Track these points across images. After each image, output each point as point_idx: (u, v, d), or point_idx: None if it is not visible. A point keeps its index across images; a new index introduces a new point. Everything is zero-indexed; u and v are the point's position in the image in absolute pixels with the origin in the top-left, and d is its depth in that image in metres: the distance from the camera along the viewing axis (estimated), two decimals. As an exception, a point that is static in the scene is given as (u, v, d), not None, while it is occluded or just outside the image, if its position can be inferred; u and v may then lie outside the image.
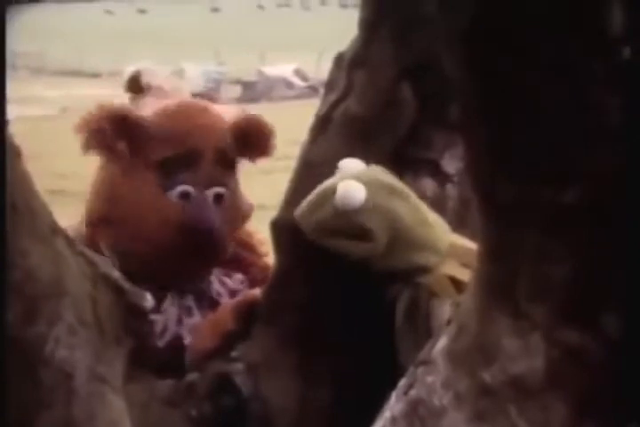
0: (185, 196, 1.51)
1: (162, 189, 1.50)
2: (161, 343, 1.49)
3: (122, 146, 1.48)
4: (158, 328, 1.49)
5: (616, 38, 0.76)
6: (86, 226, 1.53)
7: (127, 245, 1.49)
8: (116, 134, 1.47)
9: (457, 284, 1.28)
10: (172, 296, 1.52)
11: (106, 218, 1.51)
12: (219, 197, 1.54)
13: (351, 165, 1.34)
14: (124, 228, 1.50)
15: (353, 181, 1.29)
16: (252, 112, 1.64)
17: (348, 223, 1.28)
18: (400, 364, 1.20)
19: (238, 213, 1.60)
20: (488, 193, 0.88)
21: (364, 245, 1.29)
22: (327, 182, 1.32)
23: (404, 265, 1.30)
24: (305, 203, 1.32)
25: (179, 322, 1.51)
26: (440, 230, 1.32)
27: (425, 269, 1.30)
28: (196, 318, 1.53)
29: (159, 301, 1.44)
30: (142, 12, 51.42)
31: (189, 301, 1.54)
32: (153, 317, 1.47)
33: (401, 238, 1.29)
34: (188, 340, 1.50)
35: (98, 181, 1.56)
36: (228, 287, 1.58)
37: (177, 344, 1.50)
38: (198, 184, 1.52)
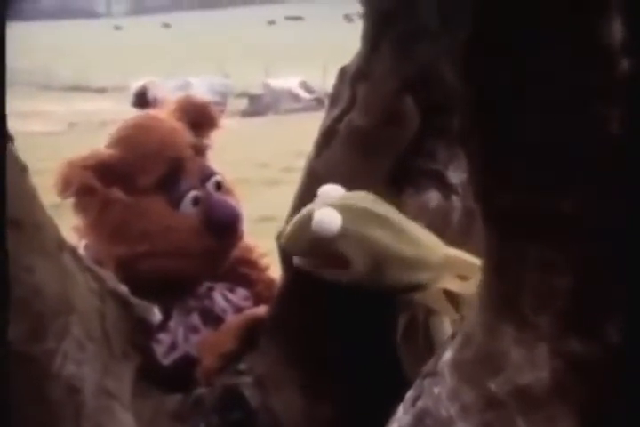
0: (196, 201, 1.52)
1: (173, 207, 1.51)
2: (168, 361, 1.49)
3: (116, 191, 1.46)
4: (166, 346, 1.49)
5: (615, 51, 0.76)
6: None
7: (160, 269, 1.49)
8: (106, 185, 1.45)
9: (453, 297, 1.28)
10: (177, 314, 1.52)
11: (131, 258, 1.47)
12: (218, 185, 1.57)
13: (330, 191, 1.34)
14: (156, 259, 1.49)
15: (329, 208, 1.29)
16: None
17: (326, 250, 1.28)
18: (405, 377, 1.20)
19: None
20: (489, 205, 0.88)
21: (342, 272, 1.29)
22: (304, 210, 1.32)
23: (397, 284, 1.30)
24: (286, 230, 1.33)
25: (186, 340, 1.51)
26: (432, 247, 1.32)
27: (419, 287, 1.30)
28: (203, 335, 1.53)
29: (165, 319, 1.44)
30: (167, 26, 51.58)
31: (195, 319, 1.54)
32: (160, 336, 1.47)
33: (387, 261, 1.28)
34: (196, 356, 1.50)
35: (100, 225, 1.50)
36: (233, 303, 1.58)
37: (185, 362, 1.49)
38: (198, 184, 1.54)
